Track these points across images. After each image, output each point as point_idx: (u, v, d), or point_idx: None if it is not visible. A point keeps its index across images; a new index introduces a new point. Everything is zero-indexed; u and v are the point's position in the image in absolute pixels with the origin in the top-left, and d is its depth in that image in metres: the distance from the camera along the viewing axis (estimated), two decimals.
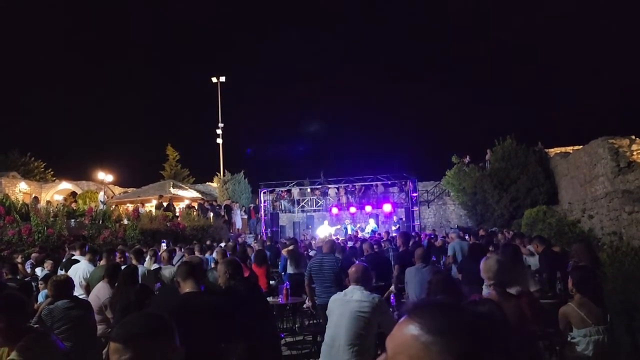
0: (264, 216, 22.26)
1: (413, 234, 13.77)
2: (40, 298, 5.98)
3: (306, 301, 6.68)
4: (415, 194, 21.31)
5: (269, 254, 9.51)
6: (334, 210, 22.89)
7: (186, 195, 24.00)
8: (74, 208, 13.79)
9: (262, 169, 37.31)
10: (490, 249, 7.51)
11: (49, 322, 3.93)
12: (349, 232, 19.43)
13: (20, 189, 23.67)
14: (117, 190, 27.72)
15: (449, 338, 0.72)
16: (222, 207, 19.98)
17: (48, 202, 19.43)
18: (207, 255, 9.17)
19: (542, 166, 17.93)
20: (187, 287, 2.83)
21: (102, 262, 6.61)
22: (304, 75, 66.41)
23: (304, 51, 70.48)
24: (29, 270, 8.42)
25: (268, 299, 5.82)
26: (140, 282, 5.11)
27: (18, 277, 6.87)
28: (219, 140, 28.92)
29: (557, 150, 19.77)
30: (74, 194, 26.01)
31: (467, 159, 20.88)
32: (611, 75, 50.06)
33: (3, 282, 5.29)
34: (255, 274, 7.22)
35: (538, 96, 57.37)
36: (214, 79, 29.14)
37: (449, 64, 67.09)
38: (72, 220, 12.19)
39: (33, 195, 21.44)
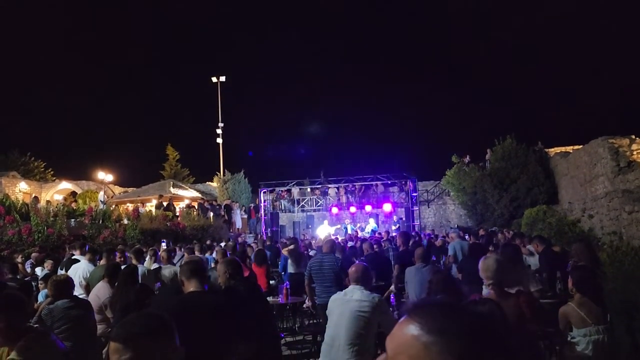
0: (264, 216, 22.27)
1: (413, 233, 13.78)
2: (40, 298, 5.98)
3: (306, 301, 6.68)
4: (415, 194, 21.32)
5: (269, 253, 9.51)
6: (334, 210, 22.89)
7: (186, 195, 23.99)
8: (74, 208, 13.80)
9: (262, 168, 37.31)
10: (491, 248, 7.52)
11: (49, 321, 3.94)
12: (349, 231, 19.43)
13: (20, 189, 23.66)
14: (117, 190, 27.72)
15: (449, 338, 0.72)
16: (222, 207, 19.98)
17: (48, 201, 19.42)
18: (207, 255, 9.17)
19: (542, 166, 17.93)
20: (191, 287, 2.82)
21: (102, 262, 6.61)
22: (304, 75, 66.45)
23: (304, 51, 70.57)
24: (29, 270, 8.42)
25: (268, 298, 5.82)
26: (140, 281, 5.12)
27: (18, 277, 6.88)
28: (219, 140, 28.95)
29: (557, 150, 19.78)
30: (74, 193, 26.00)
31: (467, 159, 20.88)
32: (611, 75, 50.12)
33: (3, 281, 5.29)
34: (255, 273, 7.22)
35: (538, 96, 57.41)
36: (214, 79, 29.16)
37: (449, 64, 67.15)
38: (72, 220, 12.19)
39: (33, 195, 21.46)
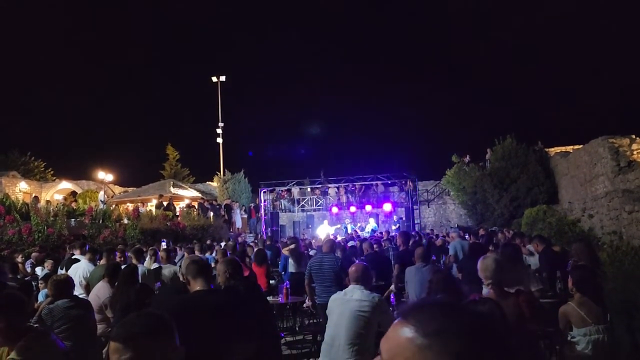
0: (264, 215, 22.28)
1: (413, 233, 13.78)
2: (40, 297, 5.98)
3: (306, 300, 6.68)
4: (415, 194, 21.31)
5: (269, 253, 9.51)
6: (334, 209, 22.90)
7: (186, 195, 23.99)
8: (74, 207, 13.79)
9: (262, 168, 37.22)
10: (491, 248, 7.52)
11: (49, 321, 3.94)
12: (349, 231, 19.44)
13: (20, 189, 23.66)
14: (117, 189, 27.72)
15: (447, 338, 0.71)
16: (222, 207, 19.98)
17: (48, 201, 19.40)
18: (207, 254, 9.18)
19: (542, 165, 17.93)
20: (197, 286, 2.81)
21: (102, 262, 6.61)
22: (304, 75, 66.38)
23: (304, 51, 70.47)
24: (29, 269, 8.42)
25: (268, 298, 5.82)
26: (140, 281, 5.12)
27: (18, 277, 6.88)
28: (219, 140, 28.94)
29: (557, 149, 19.77)
30: (74, 193, 25.99)
31: (467, 159, 20.88)
32: (611, 75, 50.07)
33: (4, 281, 5.29)
34: (255, 273, 7.22)
35: (538, 96, 57.37)
36: (214, 79, 29.15)
37: (449, 64, 67.08)
38: (72, 219, 12.20)
39: (33, 195, 21.43)
